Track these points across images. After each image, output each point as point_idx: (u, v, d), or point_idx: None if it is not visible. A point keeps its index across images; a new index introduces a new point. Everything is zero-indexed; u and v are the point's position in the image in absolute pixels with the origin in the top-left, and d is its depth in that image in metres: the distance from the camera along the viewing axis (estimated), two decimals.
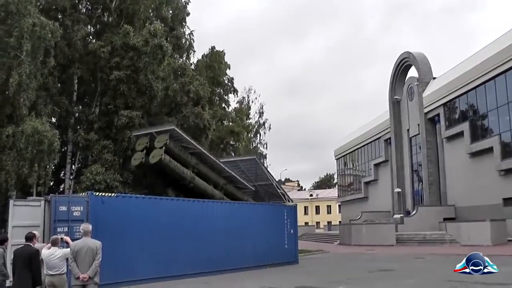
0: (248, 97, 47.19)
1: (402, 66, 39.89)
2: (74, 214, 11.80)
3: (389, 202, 40.80)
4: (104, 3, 24.08)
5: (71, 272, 6.95)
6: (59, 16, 22.89)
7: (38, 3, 20.93)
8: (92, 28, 25.51)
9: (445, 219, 30.21)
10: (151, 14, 26.01)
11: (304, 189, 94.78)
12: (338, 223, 51.32)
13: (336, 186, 67.06)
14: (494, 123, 28.62)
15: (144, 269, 13.20)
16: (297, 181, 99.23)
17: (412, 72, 39.01)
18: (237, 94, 37.99)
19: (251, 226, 17.22)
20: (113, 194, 14.25)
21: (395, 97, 40.04)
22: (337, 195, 60.60)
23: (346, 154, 52.82)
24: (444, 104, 33.32)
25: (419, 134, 36.58)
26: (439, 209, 32.66)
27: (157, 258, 13.68)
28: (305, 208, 77.90)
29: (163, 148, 17.19)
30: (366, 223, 33.77)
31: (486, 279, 7.97)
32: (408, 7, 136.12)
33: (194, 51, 32.20)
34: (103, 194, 13.74)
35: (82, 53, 22.50)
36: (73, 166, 23.01)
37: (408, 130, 38.71)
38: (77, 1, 23.93)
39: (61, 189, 22.88)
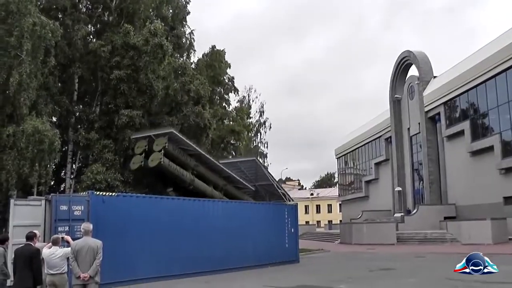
0: (248, 96, 47.25)
1: (402, 65, 39.87)
2: (75, 213, 11.83)
3: (389, 201, 40.81)
4: (104, 3, 24.06)
5: (72, 271, 6.95)
6: (60, 16, 22.87)
7: (39, 3, 20.91)
8: (92, 28, 25.50)
9: (445, 218, 30.24)
10: (152, 13, 26.00)
11: (305, 188, 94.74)
12: (338, 222, 51.29)
13: (337, 185, 67.07)
14: (495, 122, 28.61)
15: (145, 269, 13.22)
16: (298, 180, 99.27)
17: (413, 71, 39.06)
18: (237, 93, 37.99)
19: (251, 225, 17.24)
20: (113, 194, 14.28)
21: (395, 96, 40.02)
22: (337, 194, 60.61)
23: (347, 153, 52.83)
24: (444, 103, 33.30)
25: (419, 133, 36.57)
26: (439, 208, 32.66)
27: (158, 258, 13.70)
28: (306, 207, 77.93)
29: (162, 151, 17.09)
30: (367, 222, 33.78)
31: (486, 278, 7.97)
32: (408, 6, 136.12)
33: (195, 51, 32.21)
34: (104, 193, 13.75)
35: (83, 53, 22.49)
36: (73, 166, 23.02)
37: (408, 129, 38.69)
38: (77, 1, 23.88)
39: (61, 189, 22.88)
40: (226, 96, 35.65)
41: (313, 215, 78.07)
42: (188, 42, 31.15)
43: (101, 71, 22.54)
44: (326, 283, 12.78)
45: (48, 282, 7.28)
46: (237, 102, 42.65)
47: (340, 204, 60.97)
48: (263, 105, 48.93)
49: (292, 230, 19.40)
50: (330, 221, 63.11)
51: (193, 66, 30.03)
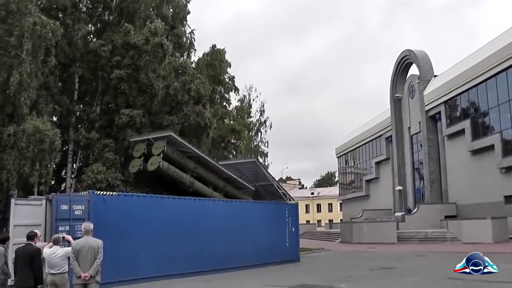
0: (249, 96, 47.19)
1: (403, 64, 39.86)
2: (75, 213, 11.83)
3: (390, 200, 40.82)
4: (104, 2, 24.05)
5: (72, 271, 6.96)
6: (60, 15, 22.85)
7: (39, 2, 20.89)
8: (92, 27, 25.49)
9: (446, 217, 30.23)
10: (152, 13, 25.99)
11: (306, 187, 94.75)
12: (339, 221, 51.35)
13: (338, 184, 67.09)
14: (495, 121, 28.60)
15: (146, 268, 13.23)
16: (298, 179, 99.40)
17: (413, 70, 39.07)
18: (238, 92, 37.94)
19: (252, 225, 17.23)
20: (114, 193, 14.30)
21: (396, 95, 40.02)
22: (338, 193, 60.62)
23: (348, 152, 52.84)
24: (445, 102, 33.29)
25: (420, 132, 36.57)
26: (440, 207, 32.67)
27: (158, 257, 13.70)
28: (307, 206, 77.90)
29: (161, 155, 16.99)
30: (368, 221, 33.80)
31: (487, 277, 7.96)
32: (409, 4, 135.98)
33: (195, 50, 32.19)
34: (105, 193, 13.75)
35: (83, 52, 22.49)
36: (74, 165, 23.02)
37: (409, 128, 38.70)
38: (77, 0, 23.89)
39: (62, 188, 22.88)
40: (226, 95, 35.65)
41: (313, 214, 78.05)
42: (188, 41, 31.14)
43: (101, 71, 22.54)
44: (327, 282, 12.78)
45: (49, 282, 7.28)
46: (237, 101, 42.65)
47: (340, 203, 61.01)
48: (263, 104, 48.99)
49: (293, 229, 19.40)
50: (330, 220, 63.08)
51: (193, 65, 30.02)
